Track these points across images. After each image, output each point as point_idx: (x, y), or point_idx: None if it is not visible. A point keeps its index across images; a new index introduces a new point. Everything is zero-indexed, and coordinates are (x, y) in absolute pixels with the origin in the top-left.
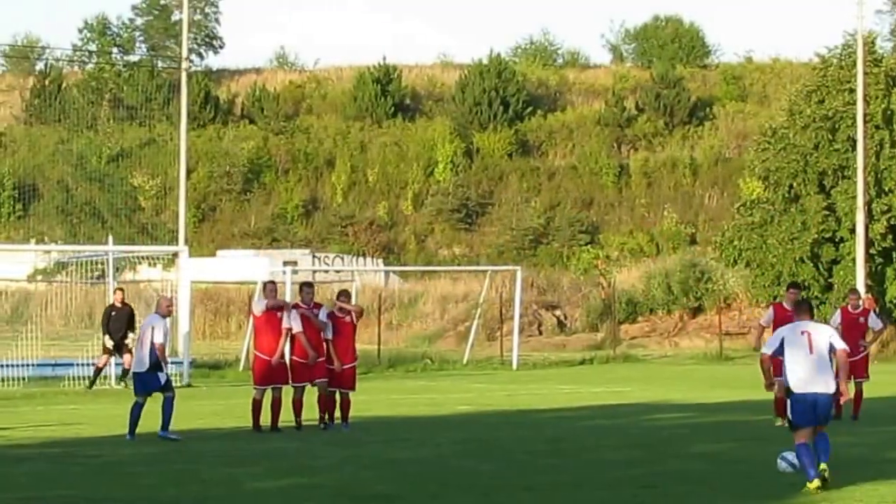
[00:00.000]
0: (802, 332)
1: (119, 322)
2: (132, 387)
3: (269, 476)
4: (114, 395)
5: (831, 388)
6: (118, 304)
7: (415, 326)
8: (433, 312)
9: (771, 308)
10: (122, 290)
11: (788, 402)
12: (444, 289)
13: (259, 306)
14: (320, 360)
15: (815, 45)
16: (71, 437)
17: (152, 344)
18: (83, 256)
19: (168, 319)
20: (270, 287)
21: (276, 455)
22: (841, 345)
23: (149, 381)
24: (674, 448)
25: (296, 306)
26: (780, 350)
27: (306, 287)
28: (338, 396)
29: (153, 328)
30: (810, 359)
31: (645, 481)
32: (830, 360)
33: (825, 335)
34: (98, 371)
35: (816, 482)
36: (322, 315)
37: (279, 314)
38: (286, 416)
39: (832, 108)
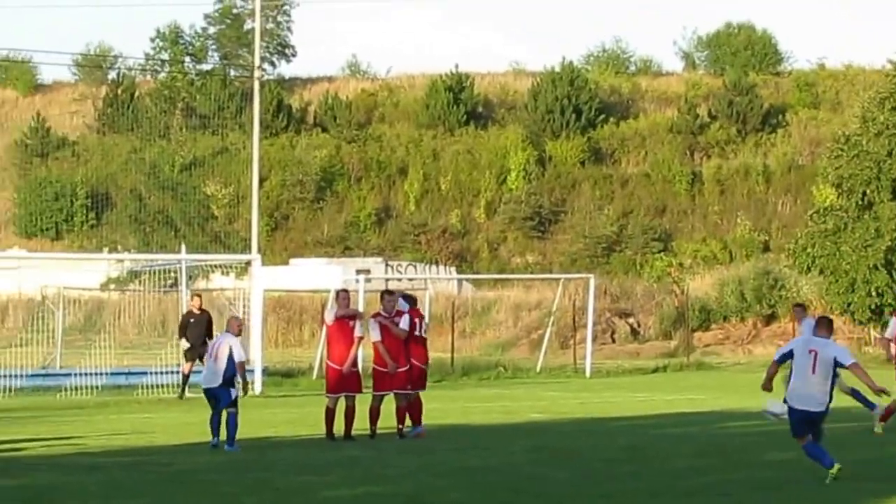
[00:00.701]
0: (810, 351)
1: (198, 328)
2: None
3: (343, 484)
4: (186, 403)
5: (823, 407)
6: (196, 311)
7: (488, 334)
8: (506, 320)
9: (893, 318)
10: (199, 296)
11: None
12: (517, 297)
13: (330, 315)
14: (400, 369)
15: (888, 52)
16: (144, 445)
17: (229, 360)
18: (156, 265)
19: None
20: (343, 296)
21: (350, 463)
22: (848, 361)
23: (220, 397)
24: (748, 456)
25: (376, 315)
26: (786, 359)
27: (387, 295)
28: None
29: (231, 346)
30: (810, 379)
31: (719, 489)
32: (835, 376)
33: (831, 354)
34: (185, 378)
35: (837, 466)
36: (404, 323)
37: (351, 323)
38: (361, 425)
39: None
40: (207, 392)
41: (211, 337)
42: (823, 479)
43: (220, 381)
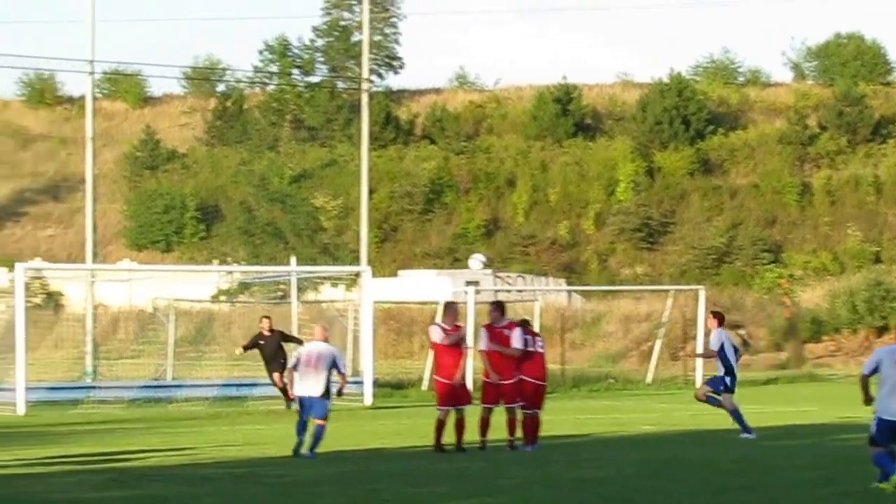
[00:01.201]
0: None
1: (270, 348)
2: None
3: (453, 496)
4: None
5: None
6: (266, 332)
7: (598, 346)
8: (616, 332)
9: None
10: (268, 318)
11: (874, 419)
12: (626, 308)
13: (436, 334)
14: (506, 381)
15: None
16: (255, 456)
17: (330, 372)
18: (266, 277)
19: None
20: (452, 309)
21: (460, 475)
22: None
23: (317, 407)
24: (861, 468)
25: (487, 327)
26: (875, 370)
27: (497, 306)
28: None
29: (335, 357)
30: None
31: (833, 501)
32: None
33: None
34: (283, 390)
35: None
36: (517, 335)
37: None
38: (472, 436)
39: None
40: (305, 400)
41: (284, 357)
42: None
43: (321, 391)
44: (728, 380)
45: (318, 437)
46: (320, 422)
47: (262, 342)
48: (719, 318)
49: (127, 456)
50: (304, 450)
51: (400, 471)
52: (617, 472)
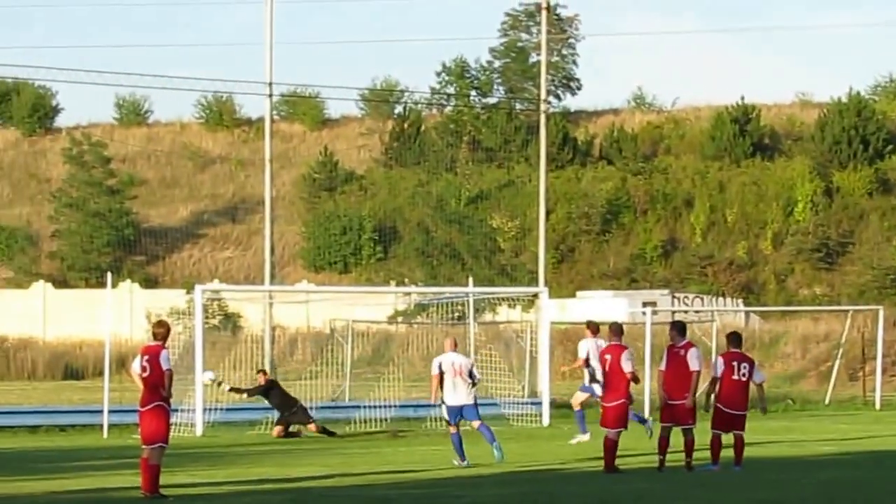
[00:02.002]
0: None
1: (277, 399)
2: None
3: None
4: (474, 435)
5: None
6: (262, 382)
7: (776, 367)
8: (794, 352)
9: None
10: (264, 372)
11: None
12: (804, 328)
13: (628, 364)
14: (671, 402)
15: None
16: (434, 478)
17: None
18: (443, 298)
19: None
20: (615, 329)
21: (639, 496)
22: None
23: (468, 413)
24: None
25: (670, 348)
26: None
27: (674, 326)
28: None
29: (472, 366)
30: None
31: None
32: None
33: None
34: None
35: None
36: (693, 355)
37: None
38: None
39: None
40: (453, 410)
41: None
42: None
43: (470, 398)
44: (596, 387)
45: (487, 434)
46: (480, 422)
47: (271, 391)
48: (592, 328)
49: (304, 477)
50: (494, 450)
51: (578, 492)
52: (797, 494)
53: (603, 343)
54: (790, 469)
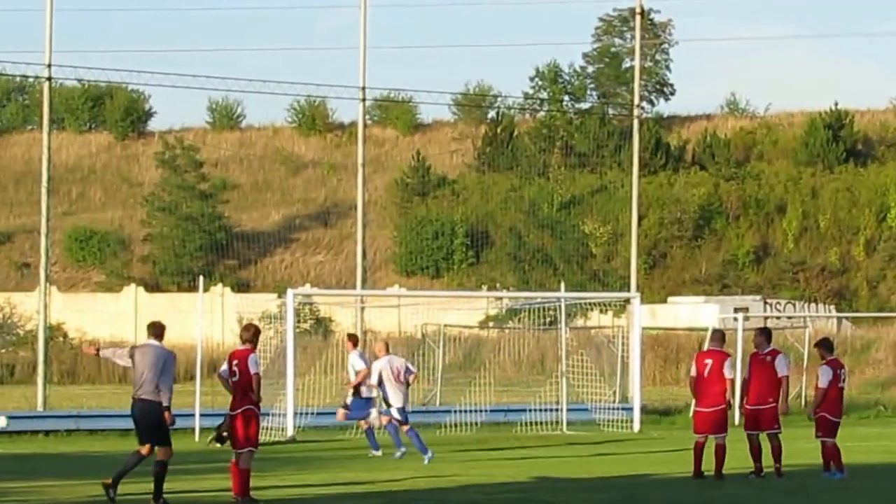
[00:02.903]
0: None
1: None
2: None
3: None
4: (565, 440)
5: None
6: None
7: (867, 373)
8: (886, 359)
9: None
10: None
11: None
12: None
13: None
14: (765, 407)
15: None
16: (524, 481)
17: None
18: (535, 303)
19: None
20: (717, 336)
21: (731, 501)
22: None
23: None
24: None
25: (754, 355)
26: None
27: (760, 332)
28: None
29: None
30: None
31: None
32: None
33: None
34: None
35: None
36: (781, 361)
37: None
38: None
39: None
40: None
41: None
42: None
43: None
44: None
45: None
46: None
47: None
48: (353, 340)
49: (394, 481)
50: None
51: (667, 498)
52: (887, 501)
53: (397, 360)
54: (881, 476)
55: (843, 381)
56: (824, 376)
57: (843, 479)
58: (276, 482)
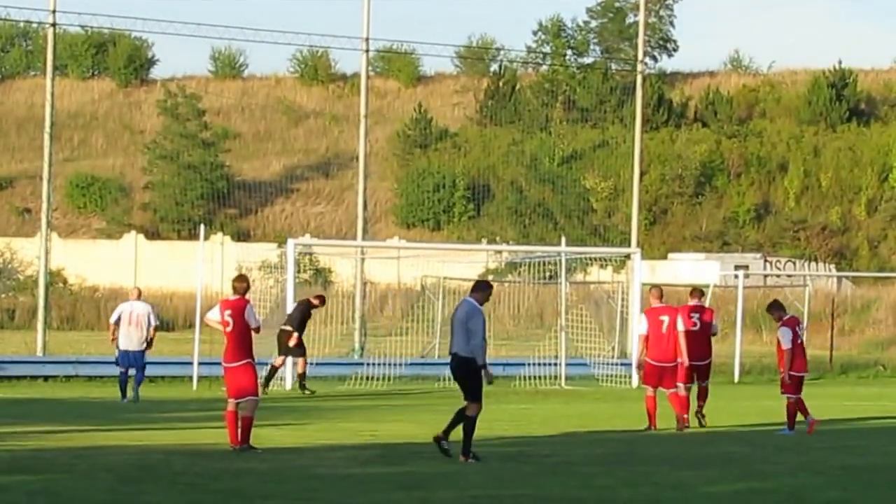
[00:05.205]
0: None
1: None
2: None
3: (721, 480)
4: (563, 394)
5: None
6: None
7: (867, 333)
8: (886, 319)
9: None
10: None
11: None
12: None
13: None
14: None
15: None
16: (522, 436)
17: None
18: (535, 257)
19: None
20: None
21: (727, 459)
22: None
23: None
24: None
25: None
26: None
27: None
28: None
29: (150, 313)
30: None
31: None
32: None
33: None
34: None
35: None
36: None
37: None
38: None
39: None
40: (125, 354)
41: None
42: None
43: (142, 345)
44: None
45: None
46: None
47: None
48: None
49: (393, 432)
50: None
51: (667, 454)
52: (883, 461)
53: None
54: (878, 435)
55: (802, 335)
56: (785, 337)
57: (790, 436)
58: (275, 431)
